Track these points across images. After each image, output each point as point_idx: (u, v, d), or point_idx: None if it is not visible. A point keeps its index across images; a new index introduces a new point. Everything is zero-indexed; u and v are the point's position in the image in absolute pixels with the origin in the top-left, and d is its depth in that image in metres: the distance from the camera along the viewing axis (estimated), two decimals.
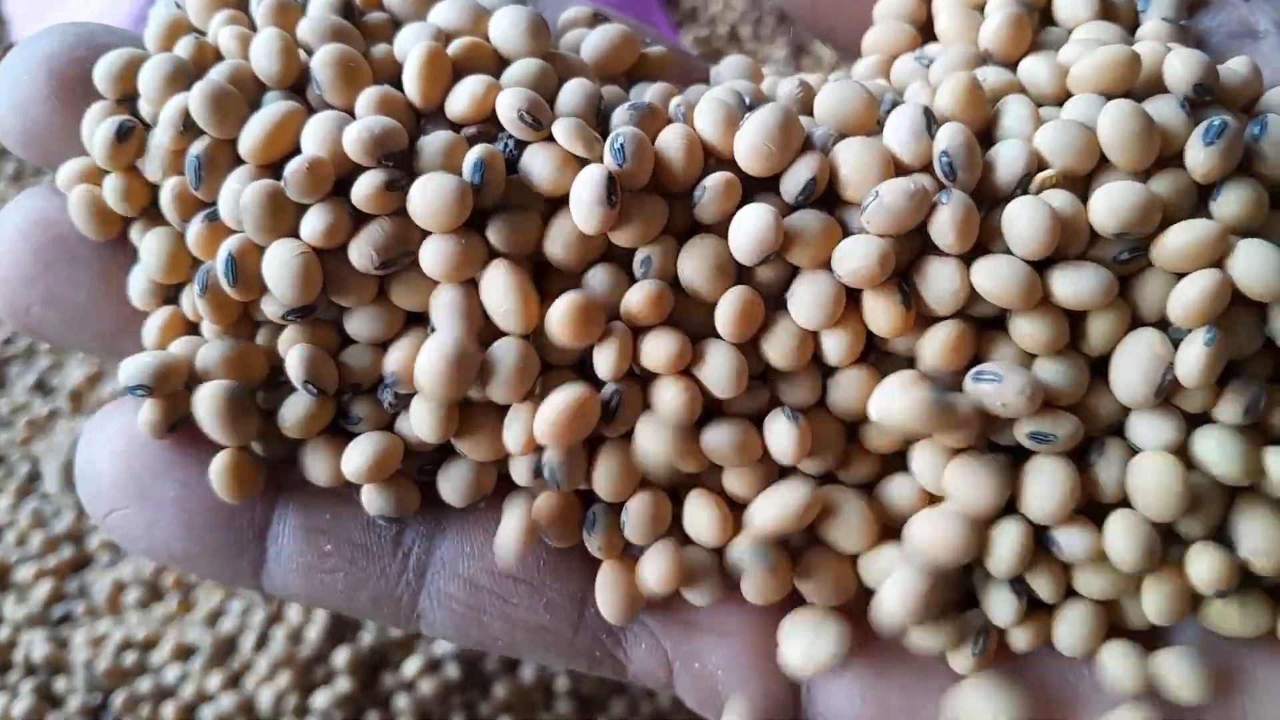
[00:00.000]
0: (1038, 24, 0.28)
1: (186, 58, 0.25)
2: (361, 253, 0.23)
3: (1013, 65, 0.27)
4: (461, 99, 0.24)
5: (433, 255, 0.24)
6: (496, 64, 0.26)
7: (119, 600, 0.45)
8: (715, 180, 0.24)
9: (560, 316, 0.23)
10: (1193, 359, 0.23)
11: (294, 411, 0.24)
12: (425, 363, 0.23)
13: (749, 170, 0.24)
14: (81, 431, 0.26)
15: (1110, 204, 0.23)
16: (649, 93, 0.26)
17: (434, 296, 0.24)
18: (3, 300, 0.26)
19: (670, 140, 0.24)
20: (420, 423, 0.24)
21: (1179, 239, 0.23)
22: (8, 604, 0.45)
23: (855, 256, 0.23)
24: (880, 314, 0.24)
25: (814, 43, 0.63)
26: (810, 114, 0.26)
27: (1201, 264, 0.23)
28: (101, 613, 0.45)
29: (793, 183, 0.24)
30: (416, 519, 0.26)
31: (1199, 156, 0.24)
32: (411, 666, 0.43)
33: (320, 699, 0.42)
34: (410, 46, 0.25)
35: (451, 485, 0.25)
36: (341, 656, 0.43)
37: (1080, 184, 0.24)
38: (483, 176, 0.23)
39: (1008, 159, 0.24)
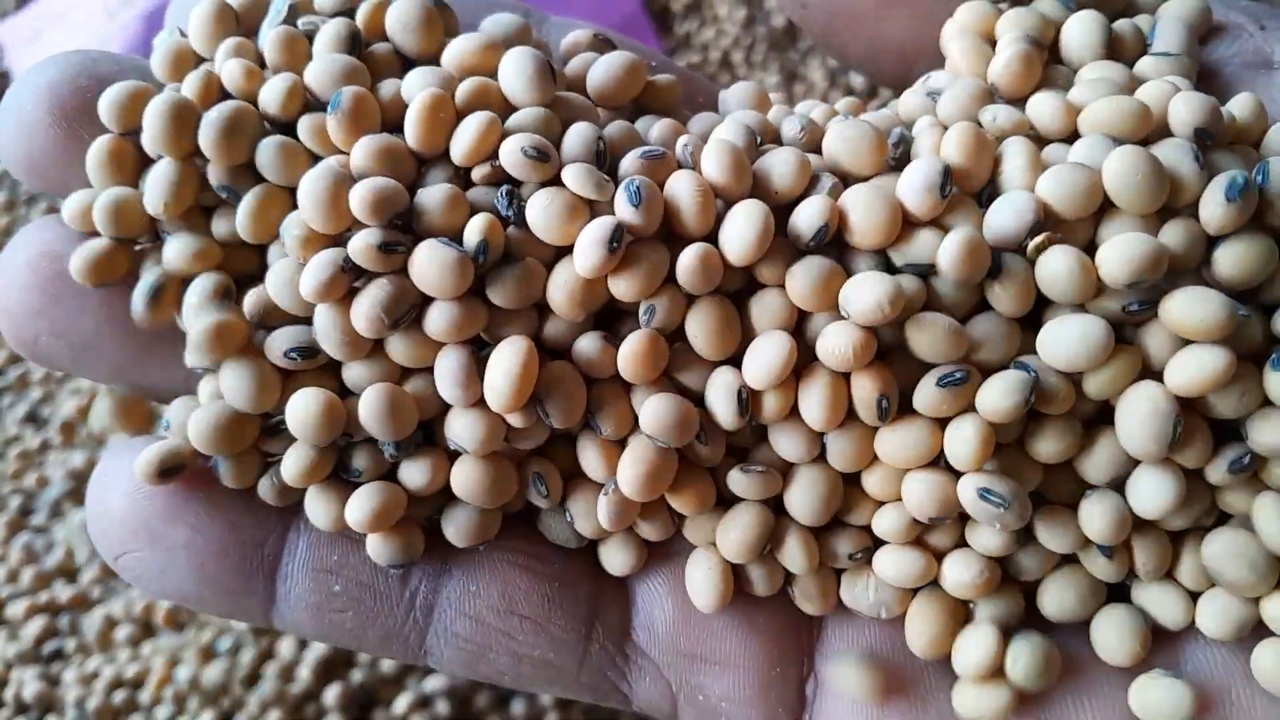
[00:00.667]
0: (1045, 60, 0.28)
1: (192, 95, 0.25)
2: (369, 315, 0.23)
3: (1020, 101, 0.27)
4: (464, 142, 0.24)
5: (437, 320, 0.24)
6: (503, 108, 0.26)
7: (110, 637, 0.45)
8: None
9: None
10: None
11: (294, 463, 0.25)
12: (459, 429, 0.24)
13: None
14: (93, 473, 0.26)
15: (1121, 255, 0.23)
16: (655, 129, 0.26)
17: (439, 360, 0.24)
18: (11, 332, 0.26)
19: (682, 190, 0.24)
20: (421, 474, 0.25)
21: (1189, 309, 0.23)
22: None
23: (840, 338, 0.24)
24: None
25: (806, 68, 0.63)
26: (817, 151, 0.26)
27: (1211, 337, 0.23)
28: (93, 650, 0.45)
29: (806, 226, 0.24)
30: (422, 559, 0.26)
31: (1217, 211, 0.24)
32: (402, 703, 0.43)
33: None
34: (417, 90, 0.25)
35: (456, 529, 0.26)
36: (332, 694, 0.43)
37: (1084, 229, 0.24)
38: (484, 250, 0.23)
39: (1004, 217, 0.24)
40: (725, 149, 0.24)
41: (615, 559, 0.27)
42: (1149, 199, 0.24)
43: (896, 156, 0.25)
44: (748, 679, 0.26)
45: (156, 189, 0.25)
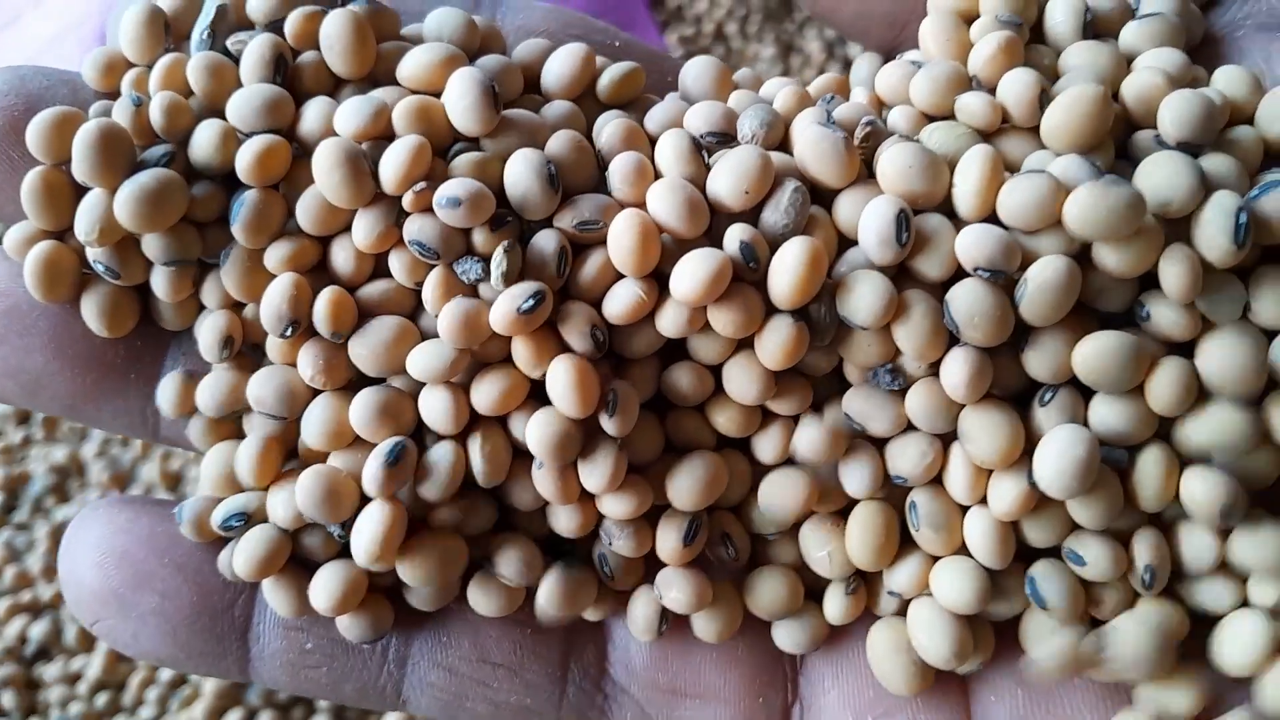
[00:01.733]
0: (1028, 39, 0.27)
1: (123, 121, 0.24)
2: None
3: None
4: (392, 170, 0.24)
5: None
6: (446, 129, 0.25)
7: (93, 637, 0.44)
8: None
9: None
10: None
11: (249, 550, 0.24)
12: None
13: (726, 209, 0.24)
14: (63, 539, 0.26)
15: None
16: (605, 134, 0.25)
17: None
18: None
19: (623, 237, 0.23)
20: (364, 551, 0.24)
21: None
22: None
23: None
24: None
25: (802, 39, 0.61)
26: (779, 148, 0.25)
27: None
28: (75, 650, 0.44)
29: (772, 219, 0.24)
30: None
31: (1223, 249, 0.23)
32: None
33: None
34: (346, 124, 0.24)
35: (419, 598, 0.25)
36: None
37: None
38: None
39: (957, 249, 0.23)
40: (674, 192, 0.24)
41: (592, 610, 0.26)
42: (1118, 229, 0.23)
43: (865, 146, 0.24)
44: (730, 711, 0.26)
45: (87, 218, 0.24)
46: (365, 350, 0.24)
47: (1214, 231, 0.23)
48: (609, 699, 0.26)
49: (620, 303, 0.23)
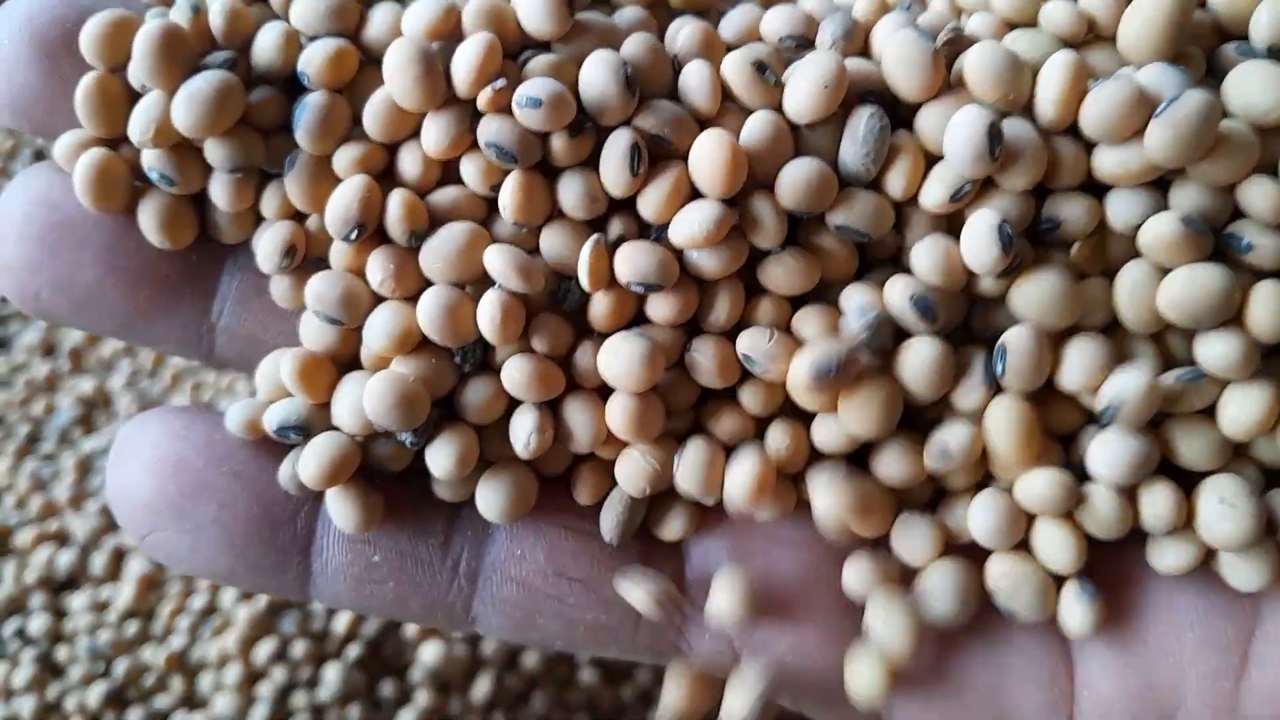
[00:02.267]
0: None
1: (184, 23, 0.24)
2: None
3: None
4: (464, 70, 0.23)
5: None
6: (517, 33, 0.24)
7: (119, 567, 0.44)
8: None
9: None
10: None
11: (318, 457, 0.24)
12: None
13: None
14: (111, 447, 0.25)
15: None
16: (681, 38, 0.25)
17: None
18: (11, 287, 0.25)
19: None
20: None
21: None
22: (8, 569, 0.44)
23: None
24: None
25: None
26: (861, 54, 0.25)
27: None
28: (101, 579, 0.44)
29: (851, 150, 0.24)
30: (464, 523, 0.25)
31: None
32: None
33: (330, 671, 0.41)
34: (415, 23, 0.24)
35: (489, 503, 0.25)
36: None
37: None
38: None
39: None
40: (766, 124, 0.23)
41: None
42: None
43: (948, 54, 0.24)
44: (812, 631, 0.25)
45: (142, 119, 0.24)
46: (438, 257, 0.24)
47: None
48: (686, 618, 0.26)
49: (699, 225, 0.23)
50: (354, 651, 0.41)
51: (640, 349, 0.23)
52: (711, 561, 0.26)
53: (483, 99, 0.23)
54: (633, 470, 0.24)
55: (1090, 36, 0.24)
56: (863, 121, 0.23)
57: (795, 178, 0.23)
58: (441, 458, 0.24)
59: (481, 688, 0.42)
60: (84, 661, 0.42)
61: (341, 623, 0.42)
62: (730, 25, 0.26)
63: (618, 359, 0.23)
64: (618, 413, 0.24)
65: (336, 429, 0.24)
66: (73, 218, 0.25)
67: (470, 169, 0.24)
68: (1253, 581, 0.24)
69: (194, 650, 0.42)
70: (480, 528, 0.25)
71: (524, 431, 0.24)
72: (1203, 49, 0.24)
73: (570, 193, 0.23)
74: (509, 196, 0.23)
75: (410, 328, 0.24)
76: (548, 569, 0.25)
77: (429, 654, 0.41)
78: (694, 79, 0.24)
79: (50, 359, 0.50)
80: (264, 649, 0.41)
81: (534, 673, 0.43)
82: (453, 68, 0.23)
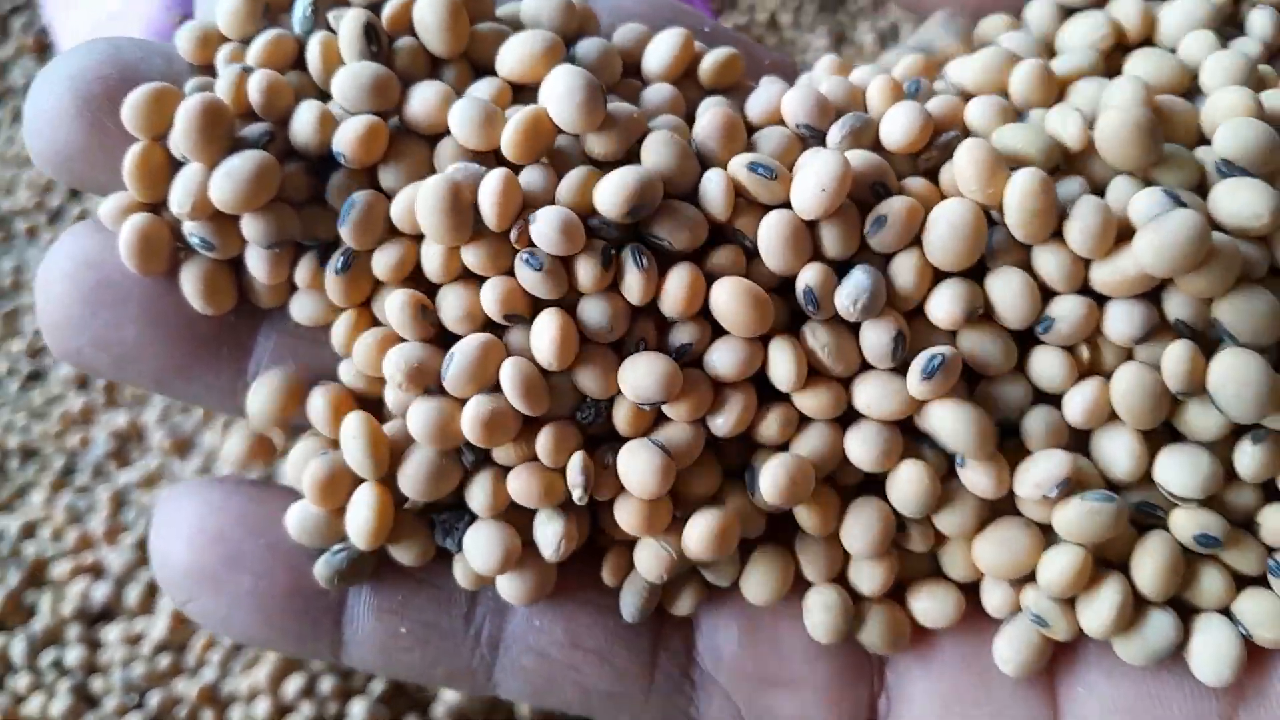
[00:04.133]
0: None
1: (224, 96, 0.25)
2: None
3: None
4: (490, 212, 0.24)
5: None
6: (551, 131, 0.25)
7: (153, 600, 0.45)
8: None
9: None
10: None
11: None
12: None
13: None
14: (153, 516, 0.26)
15: None
16: (704, 122, 0.26)
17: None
18: (55, 343, 0.26)
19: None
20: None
21: None
22: (44, 601, 0.45)
23: None
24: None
25: (855, 30, 0.61)
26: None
27: None
28: (135, 611, 0.45)
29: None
30: (486, 595, 0.26)
31: None
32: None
33: (356, 706, 0.42)
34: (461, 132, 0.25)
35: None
36: None
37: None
38: None
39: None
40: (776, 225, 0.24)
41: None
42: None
43: (929, 158, 0.26)
44: (817, 699, 0.26)
45: (182, 191, 0.24)
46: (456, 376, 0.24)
47: None
48: (696, 686, 0.27)
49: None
50: (379, 688, 0.42)
51: (653, 462, 0.24)
52: (720, 634, 0.27)
53: (513, 236, 0.24)
54: (651, 559, 0.25)
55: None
56: (864, 273, 0.24)
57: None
58: (479, 556, 0.25)
59: None
60: (118, 693, 0.43)
61: None
62: (756, 106, 0.27)
63: (632, 470, 0.24)
64: (627, 513, 0.25)
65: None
66: (114, 277, 0.25)
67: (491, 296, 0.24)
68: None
69: (225, 684, 0.43)
70: (502, 600, 0.26)
71: (554, 537, 0.25)
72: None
73: (594, 315, 0.24)
74: (547, 342, 0.24)
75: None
76: (565, 640, 0.26)
77: (451, 692, 0.42)
78: (712, 189, 0.25)
79: (85, 392, 0.52)
80: (293, 684, 0.42)
81: (555, 714, 0.44)
82: (480, 204, 0.24)
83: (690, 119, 0.26)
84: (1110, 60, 0.28)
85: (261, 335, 0.27)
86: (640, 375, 0.24)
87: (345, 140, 0.25)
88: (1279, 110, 0.26)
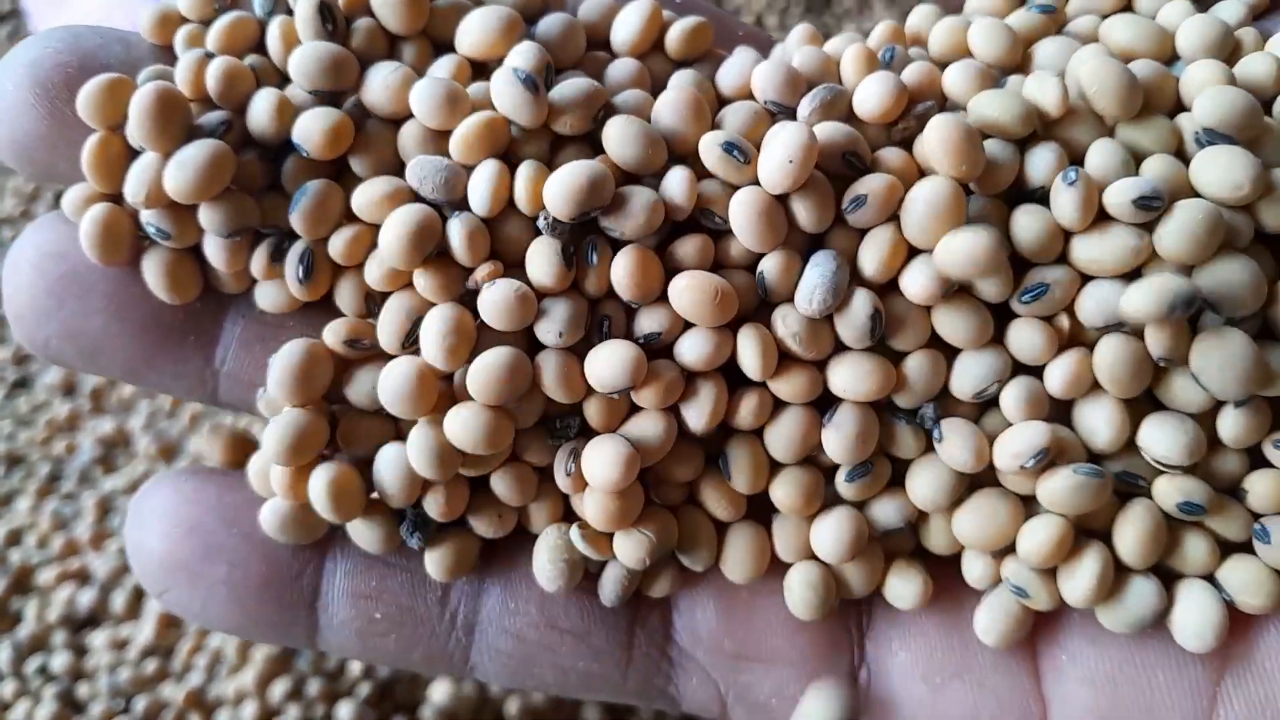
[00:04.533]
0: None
1: (182, 85, 0.25)
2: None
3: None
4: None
5: None
6: (504, 132, 0.25)
7: (139, 605, 0.45)
8: None
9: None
10: None
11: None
12: None
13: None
14: (129, 508, 0.26)
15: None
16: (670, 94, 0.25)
17: None
18: (22, 334, 0.26)
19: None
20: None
21: None
22: (30, 607, 0.45)
23: None
24: None
25: (839, 33, 0.61)
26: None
27: None
28: (121, 617, 0.45)
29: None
30: (461, 579, 0.26)
31: None
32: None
33: (343, 709, 0.41)
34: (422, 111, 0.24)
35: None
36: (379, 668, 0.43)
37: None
38: None
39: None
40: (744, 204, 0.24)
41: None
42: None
43: (906, 128, 0.25)
44: (796, 674, 0.26)
45: (136, 180, 0.24)
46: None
47: None
48: (674, 664, 0.26)
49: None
50: (366, 690, 0.42)
51: (617, 454, 0.24)
52: (698, 612, 0.26)
53: (475, 280, 0.24)
54: (632, 546, 0.25)
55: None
56: (821, 264, 0.24)
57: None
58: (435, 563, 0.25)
59: None
60: (104, 698, 0.42)
61: (355, 662, 0.42)
62: (727, 78, 0.26)
63: (596, 464, 0.24)
64: (594, 509, 0.24)
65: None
66: (79, 268, 0.25)
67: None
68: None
69: (212, 687, 0.42)
70: (475, 582, 0.26)
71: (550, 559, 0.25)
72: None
73: (551, 325, 0.24)
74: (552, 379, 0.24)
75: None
76: (540, 621, 0.26)
77: (439, 693, 0.42)
78: (674, 184, 0.24)
79: (71, 399, 0.51)
80: (279, 687, 0.42)
81: (542, 711, 0.43)
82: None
83: (659, 92, 0.26)
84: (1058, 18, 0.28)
85: (228, 322, 0.26)
86: (603, 363, 0.24)
87: (309, 136, 0.24)
88: (1255, 77, 0.25)
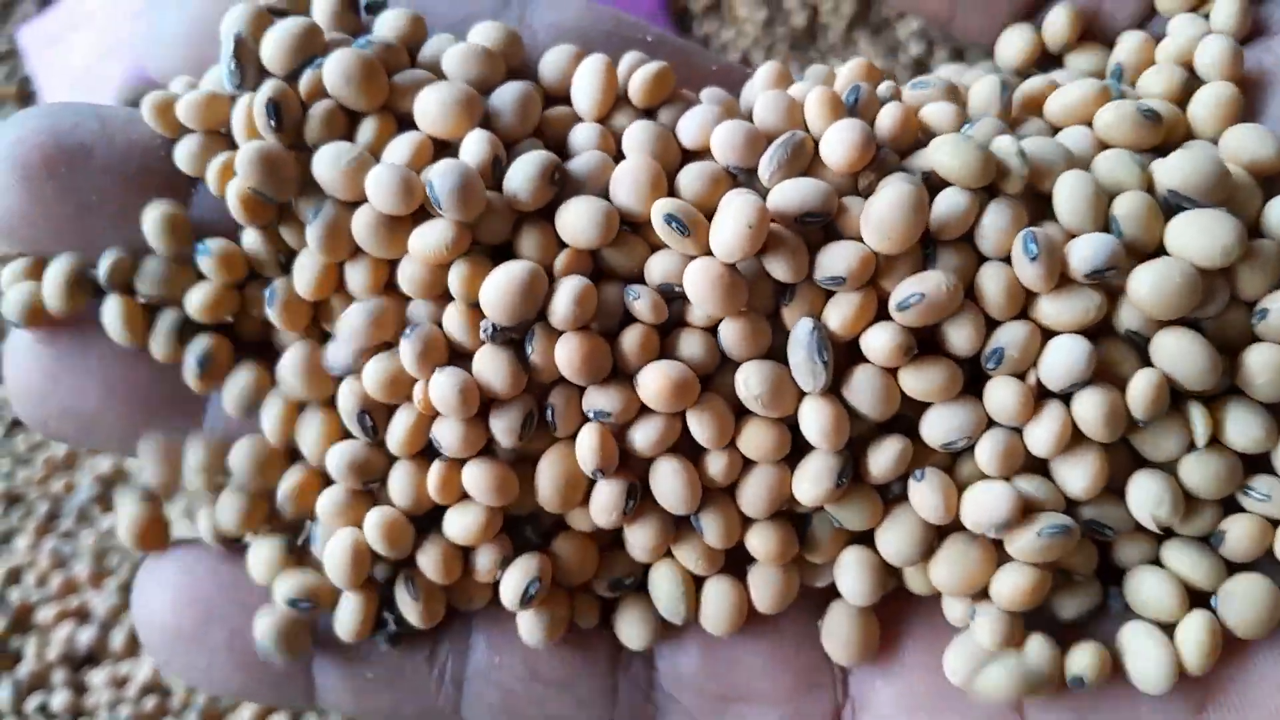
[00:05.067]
0: None
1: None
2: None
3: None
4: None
5: None
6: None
7: (137, 645, 0.45)
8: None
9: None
10: None
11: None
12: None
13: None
14: (135, 581, 0.28)
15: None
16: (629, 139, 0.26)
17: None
18: (25, 414, 0.27)
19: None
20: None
21: None
22: (30, 646, 0.45)
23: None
24: None
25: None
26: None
27: None
28: (121, 655, 0.45)
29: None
30: (448, 634, 0.27)
31: None
32: None
33: None
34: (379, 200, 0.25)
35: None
36: None
37: None
38: None
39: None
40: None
41: (633, 633, 0.27)
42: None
43: (869, 185, 0.25)
44: (779, 713, 0.27)
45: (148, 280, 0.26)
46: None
47: None
48: (659, 709, 0.27)
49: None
50: None
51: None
52: (680, 655, 0.27)
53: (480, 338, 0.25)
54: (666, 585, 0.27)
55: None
56: (803, 334, 0.24)
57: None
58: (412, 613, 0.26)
59: None
60: None
61: None
62: (687, 132, 0.26)
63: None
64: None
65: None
66: (73, 349, 0.27)
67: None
68: None
69: None
70: (462, 638, 0.27)
71: (518, 585, 0.26)
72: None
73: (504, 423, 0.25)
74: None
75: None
76: (525, 674, 0.27)
77: None
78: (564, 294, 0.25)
79: None
80: None
81: None
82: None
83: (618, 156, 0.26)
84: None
85: (212, 400, 0.28)
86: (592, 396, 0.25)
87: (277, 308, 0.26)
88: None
